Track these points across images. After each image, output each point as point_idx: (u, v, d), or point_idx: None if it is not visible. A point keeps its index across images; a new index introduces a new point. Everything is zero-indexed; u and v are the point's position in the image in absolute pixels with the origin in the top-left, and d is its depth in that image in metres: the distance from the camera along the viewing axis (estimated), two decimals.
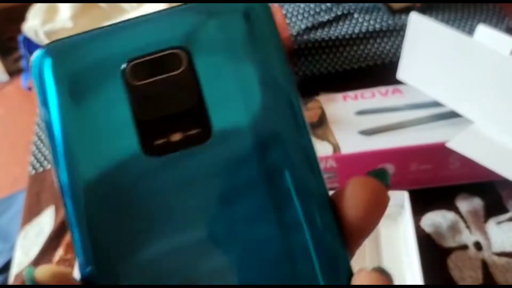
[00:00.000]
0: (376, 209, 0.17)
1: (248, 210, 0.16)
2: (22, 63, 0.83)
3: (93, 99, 0.16)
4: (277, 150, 0.17)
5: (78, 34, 0.17)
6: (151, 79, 0.16)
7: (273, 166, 0.16)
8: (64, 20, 0.75)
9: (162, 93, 0.16)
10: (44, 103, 0.17)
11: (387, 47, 0.75)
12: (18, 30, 0.83)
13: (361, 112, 0.57)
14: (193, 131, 0.16)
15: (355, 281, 0.16)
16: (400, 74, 0.59)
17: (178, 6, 0.18)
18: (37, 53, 0.17)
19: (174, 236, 0.16)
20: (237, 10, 0.17)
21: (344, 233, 0.17)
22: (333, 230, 0.16)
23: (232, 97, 0.16)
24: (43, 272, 0.16)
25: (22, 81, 0.82)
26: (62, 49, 0.17)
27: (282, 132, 0.17)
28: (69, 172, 0.16)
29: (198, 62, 0.16)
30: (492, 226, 0.51)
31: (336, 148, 0.53)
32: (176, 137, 0.16)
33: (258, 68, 0.17)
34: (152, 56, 0.16)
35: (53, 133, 0.17)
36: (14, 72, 1.57)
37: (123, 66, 0.16)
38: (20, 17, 0.83)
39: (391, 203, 0.50)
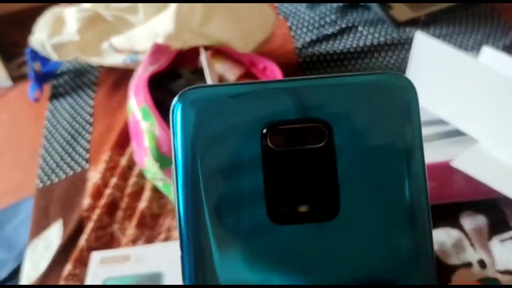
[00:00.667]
0: None
1: None
2: (29, 74, 0.83)
3: (229, 156, 0.17)
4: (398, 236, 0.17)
5: (220, 85, 0.18)
6: (291, 148, 0.16)
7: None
8: (71, 33, 0.75)
9: (299, 164, 0.17)
10: (175, 149, 0.17)
11: (392, 61, 0.75)
12: (21, 35, 0.84)
13: None
14: (322, 206, 0.17)
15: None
16: None
17: (323, 76, 0.17)
18: (176, 101, 0.17)
19: None
20: (387, 89, 0.17)
21: None
22: None
23: (364, 181, 0.17)
24: None
25: (28, 92, 0.83)
26: (203, 101, 0.17)
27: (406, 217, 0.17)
28: (193, 212, 0.17)
29: (338, 140, 0.16)
30: (496, 244, 0.51)
31: None
32: (303, 209, 0.17)
33: (394, 151, 0.17)
34: (294, 125, 0.17)
35: (181, 180, 0.17)
36: (17, 78, 1.57)
37: (265, 129, 0.17)
38: (24, 22, 0.84)
39: None
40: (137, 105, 0.57)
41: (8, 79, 1.30)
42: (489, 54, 0.50)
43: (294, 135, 0.17)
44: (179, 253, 0.48)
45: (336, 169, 0.17)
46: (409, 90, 0.18)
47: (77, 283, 0.54)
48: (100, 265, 0.49)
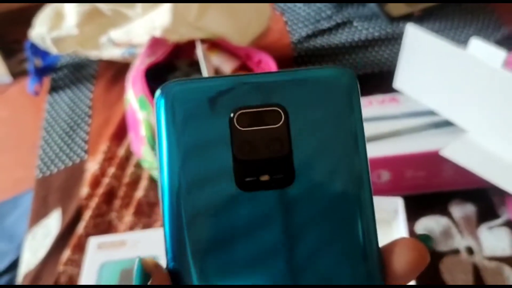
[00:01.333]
0: (419, 267, 0.20)
1: (318, 240, 0.20)
2: (29, 68, 0.85)
3: (202, 134, 0.20)
4: (345, 200, 0.20)
5: (198, 80, 0.21)
6: (254, 128, 0.20)
7: (340, 212, 0.20)
8: (70, 27, 0.77)
9: (260, 141, 0.20)
10: (159, 134, 0.20)
11: (385, 55, 0.76)
12: (22, 32, 0.85)
13: None
14: (279, 176, 0.20)
15: (395, 243, 0.20)
16: (396, 84, 0.61)
17: (284, 70, 0.21)
18: (157, 93, 0.21)
19: (249, 252, 0.20)
20: (332, 82, 0.21)
21: (388, 279, 0.20)
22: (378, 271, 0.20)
23: (314, 153, 0.20)
24: (149, 262, 0.20)
25: (28, 85, 0.84)
26: (179, 90, 0.21)
27: (349, 185, 0.20)
28: (171, 184, 0.20)
29: (292, 121, 0.20)
30: (483, 231, 0.53)
31: None
32: (265, 178, 0.20)
33: (339, 132, 0.20)
34: (256, 109, 0.20)
35: (162, 158, 0.20)
36: (17, 74, 1.58)
37: (232, 114, 0.20)
38: (24, 19, 0.85)
39: (386, 209, 0.52)
40: (134, 95, 0.58)
41: (8, 75, 1.31)
42: (477, 46, 0.51)
43: (256, 118, 0.20)
44: None
45: (290, 144, 0.20)
46: (351, 83, 0.21)
47: (76, 269, 0.56)
48: (98, 250, 0.51)
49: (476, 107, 0.53)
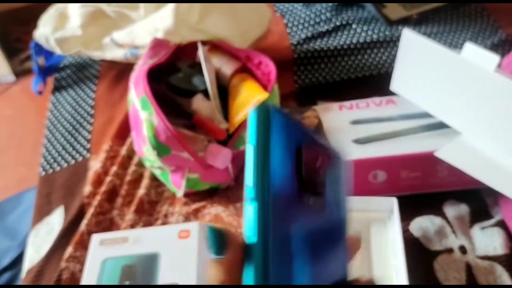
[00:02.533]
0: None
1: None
2: (33, 68, 0.86)
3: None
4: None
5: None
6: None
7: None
8: (74, 28, 0.78)
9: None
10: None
11: (384, 58, 0.78)
12: (24, 31, 0.86)
13: (356, 122, 0.61)
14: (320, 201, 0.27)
15: None
16: (393, 86, 0.62)
17: None
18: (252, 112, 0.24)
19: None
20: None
21: None
22: None
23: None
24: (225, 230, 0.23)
25: (32, 85, 0.85)
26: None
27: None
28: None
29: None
30: (476, 231, 0.54)
31: None
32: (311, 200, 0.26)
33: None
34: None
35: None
36: (20, 73, 1.59)
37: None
38: (26, 18, 0.87)
39: (381, 208, 0.53)
40: (136, 96, 0.59)
41: (11, 74, 1.32)
42: (471, 50, 0.52)
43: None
44: (173, 236, 0.51)
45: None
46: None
47: (78, 265, 0.57)
48: (100, 247, 0.52)
49: (470, 110, 0.54)
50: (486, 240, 0.53)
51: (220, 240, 0.23)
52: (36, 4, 0.99)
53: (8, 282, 0.92)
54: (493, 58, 0.51)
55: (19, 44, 1.46)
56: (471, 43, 0.52)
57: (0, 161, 1.02)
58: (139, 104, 0.58)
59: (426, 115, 0.59)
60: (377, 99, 0.63)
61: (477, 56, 0.52)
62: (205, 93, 0.64)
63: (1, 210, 1.16)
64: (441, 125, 0.57)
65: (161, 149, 0.56)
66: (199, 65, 0.67)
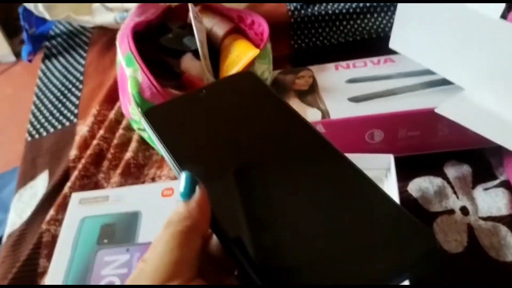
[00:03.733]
0: None
1: None
2: (23, 35, 0.84)
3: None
4: None
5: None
6: None
7: None
8: None
9: None
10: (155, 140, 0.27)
11: (384, 21, 0.74)
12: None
13: (352, 80, 0.57)
14: None
15: None
16: (392, 43, 0.59)
17: None
18: (142, 116, 0.29)
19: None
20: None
21: None
22: None
23: None
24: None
25: (22, 53, 0.83)
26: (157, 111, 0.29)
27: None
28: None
29: None
30: (479, 192, 0.51)
31: (325, 114, 0.53)
32: None
33: None
34: None
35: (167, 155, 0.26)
36: (20, 53, 1.58)
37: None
38: None
39: (377, 166, 0.49)
40: (121, 53, 0.57)
41: (11, 54, 1.31)
42: None
43: None
44: (155, 194, 0.48)
45: None
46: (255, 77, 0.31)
47: (59, 228, 0.54)
48: (79, 205, 0.49)
49: (473, 63, 0.51)
50: (490, 200, 0.49)
51: (191, 184, 0.24)
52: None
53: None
54: (499, 5, 0.47)
55: (18, 24, 1.44)
56: None
57: (0, 138, 1.00)
58: (124, 61, 0.56)
59: (426, 72, 0.55)
60: (375, 58, 0.60)
61: (481, 4, 0.48)
62: (196, 53, 0.61)
63: None
64: (443, 82, 0.54)
65: (145, 106, 0.53)
66: (190, 26, 0.64)
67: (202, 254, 0.23)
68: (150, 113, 0.29)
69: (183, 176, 0.24)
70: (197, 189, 0.24)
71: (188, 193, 0.23)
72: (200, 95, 0.30)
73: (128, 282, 0.22)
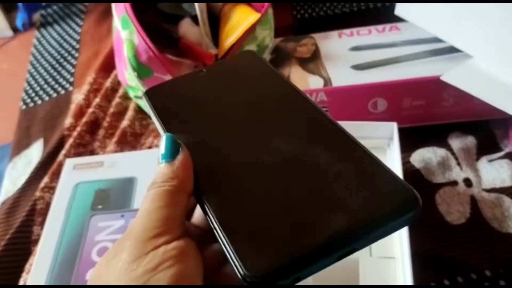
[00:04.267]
0: None
1: None
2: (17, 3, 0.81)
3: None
4: None
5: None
6: None
7: None
8: None
9: None
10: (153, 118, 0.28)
11: None
12: None
13: (355, 48, 0.56)
14: None
15: None
16: (398, 10, 0.57)
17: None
18: (143, 96, 0.29)
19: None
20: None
21: None
22: None
23: None
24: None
25: (17, 21, 0.81)
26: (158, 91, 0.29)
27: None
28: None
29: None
30: (483, 163, 0.49)
31: (327, 81, 0.52)
32: None
33: None
34: None
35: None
36: (18, 29, 1.55)
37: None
38: None
39: (380, 135, 0.48)
40: (117, 15, 0.55)
41: (9, 29, 1.28)
42: None
43: None
44: (151, 160, 0.47)
45: None
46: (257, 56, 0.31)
47: (53, 196, 0.53)
48: (73, 171, 0.48)
49: (482, 29, 0.49)
50: (494, 172, 0.48)
51: (175, 146, 0.24)
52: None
53: None
54: None
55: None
56: None
57: None
58: (120, 24, 0.54)
59: (433, 39, 0.54)
60: (379, 26, 0.58)
61: None
62: (195, 19, 0.60)
63: None
64: (450, 50, 0.52)
65: (142, 70, 0.52)
66: None
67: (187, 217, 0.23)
68: (151, 93, 0.29)
69: (165, 137, 0.24)
70: (181, 150, 0.24)
71: (170, 155, 0.24)
72: (200, 74, 0.30)
73: (117, 242, 0.21)
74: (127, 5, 0.53)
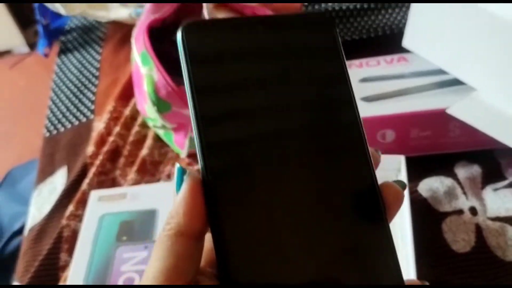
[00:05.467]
0: (401, 200, 0.24)
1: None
2: (38, 29, 0.85)
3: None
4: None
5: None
6: None
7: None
8: None
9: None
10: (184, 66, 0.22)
11: (398, 17, 0.74)
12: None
13: (364, 80, 0.58)
14: None
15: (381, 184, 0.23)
16: (406, 42, 0.59)
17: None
18: (179, 30, 0.23)
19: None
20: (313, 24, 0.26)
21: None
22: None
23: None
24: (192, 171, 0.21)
25: (38, 47, 0.84)
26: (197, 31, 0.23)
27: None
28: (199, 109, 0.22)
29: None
30: (488, 192, 0.51)
31: None
32: None
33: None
34: None
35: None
36: (34, 44, 1.59)
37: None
38: None
39: (388, 167, 0.50)
40: (137, 51, 0.58)
41: (25, 45, 1.31)
42: None
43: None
44: (170, 191, 0.50)
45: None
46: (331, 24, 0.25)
47: (78, 223, 0.56)
48: (98, 202, 0.51)
49: (486, 64, 0.51)
50: (499, 201, 0.50)
51: (181, 177, 0.21)
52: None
53: (19, 246, 0.93)
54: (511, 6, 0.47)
55: (32, 16, 1.45)
56: None
57: (13, 130, 1.02)
58: (140, 59, 0.57)
59: (439, 72, 0.56)
60: (388, 57, 0.61)
61: (495, 4, 0.48)
62: None
63: (13, 177, 1.17)
64: (455, 82, 0.54)
65: (161, 104, 0.55)
66: None
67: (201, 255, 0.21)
68: (188, 31, 0.23)
69: (176, 169, 0.22)
70: (185, 179, 0.21)
71: (178, 186, 0.21)
72: (253, 21, 0.24)
73: None
74: (147, 41, 0.56)
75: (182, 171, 0.21)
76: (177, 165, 0.22)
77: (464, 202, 0.51)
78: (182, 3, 0.66)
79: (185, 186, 0.20)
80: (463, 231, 0.49)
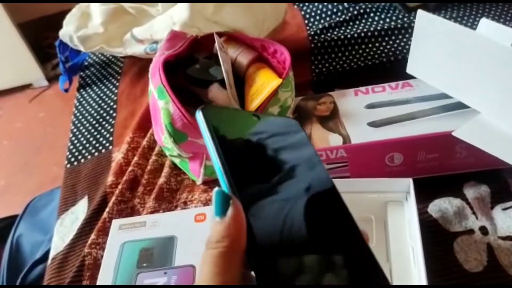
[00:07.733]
0: None
1: None
2: (59, 67, 0.89)
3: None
4: None
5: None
6: None
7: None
8: (96, 26, 0.80)
9: None
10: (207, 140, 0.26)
11: (402, 44, 0.77)
12: (57, 37, 0.89)
13: (370, 106, 0.60)
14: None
15: None
16: (409, 68, 0.61)
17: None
18: (198, 112, 0.27)
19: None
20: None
21: None
22: None
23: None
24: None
25: (59, 84, 0.88)
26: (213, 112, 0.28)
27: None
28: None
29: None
30: (498, 212, 0.53)
31: (346, 139, 0.56)
32: None
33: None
34: None
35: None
36: (53, 78, 1.64)
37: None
38: (59, 24, 0.90)
39: (397, 190, 0.52)
40: (153, 86, 0.61)
41: (44, 79, 1.35)
42: (487, 25, 0.51)
43: None
44: (188, 219, 0.52)
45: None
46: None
47: (100, 251, 0.58)
48: (119, 231, 0.53)
49: (487, 88, 0.53)
50: (509, 220, 0.51)
51: (225, 201, 0.24)
52: (69, 9, 1.02)
53: (41, 274, 0.95)
54: (510, 31, 0.50)
55: (51, 50, 1.51)
56: (486, 19, 0.51)
57: (34, 161, 1.05)
58: (156, 93, 0.60)
59: (443, 96, 0.58)
60: (393, 83, 0.63)
61: (493, 31, 0.51)
62: (222, 82, 0.65)
63: (35, 207, 1.20)
64: (459, 106, 0.56)
65: (177, 136, 0.57)
66: (216, 56, 0.67)
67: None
68: (207, 113, 0.27)
69: (215, 193, 0.24)
70: (231, 204, 0.24)
71: (222, 210, 0.24)
72: (254, 118, 0.30)
73: None
74: (163, 77, 0.59)
75: (224, 195, 0.24)
76: (217, 189, 0.24)
77: (474, 222, 0.52)
78: (194, 38, 0.70)
79: (234, 208, 0.23)
80: (474, 250, 0.50)
